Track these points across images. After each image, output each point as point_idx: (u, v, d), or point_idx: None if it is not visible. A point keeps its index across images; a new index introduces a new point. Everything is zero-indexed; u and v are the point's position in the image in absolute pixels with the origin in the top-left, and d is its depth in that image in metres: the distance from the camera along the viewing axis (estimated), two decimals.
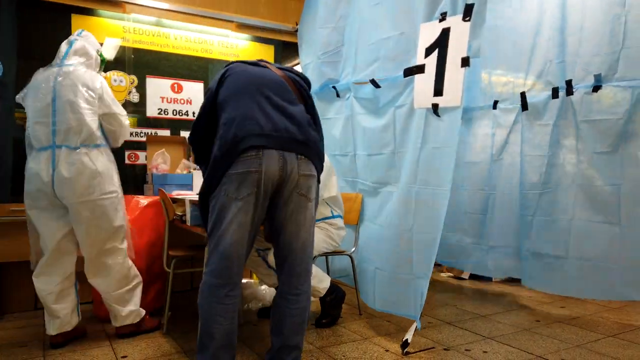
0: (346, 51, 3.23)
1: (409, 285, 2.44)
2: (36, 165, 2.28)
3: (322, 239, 2.75)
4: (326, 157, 2.75)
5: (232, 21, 3.95)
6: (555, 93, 3.09)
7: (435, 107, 2.36)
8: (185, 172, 3.34)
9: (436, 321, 2.83)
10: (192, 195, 2.67)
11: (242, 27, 4.01)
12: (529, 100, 3.28)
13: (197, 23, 3.84)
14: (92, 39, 2.56)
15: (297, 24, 3.89)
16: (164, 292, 2.91)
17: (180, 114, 3.83)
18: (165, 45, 3.79)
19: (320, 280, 2.68)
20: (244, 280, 3.49)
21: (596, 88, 2.87)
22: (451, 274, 4.12)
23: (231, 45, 4.00)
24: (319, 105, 3.55)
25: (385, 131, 2.77)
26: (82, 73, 2.37)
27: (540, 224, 3.17)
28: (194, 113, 3.84)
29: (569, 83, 3.00)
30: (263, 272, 2.87)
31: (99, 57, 2.55)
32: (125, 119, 2.50)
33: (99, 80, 2.41)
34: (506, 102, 3.50)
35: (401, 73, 2.60)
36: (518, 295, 3.49)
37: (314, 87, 3.56)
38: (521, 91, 3.33)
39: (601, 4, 2.86)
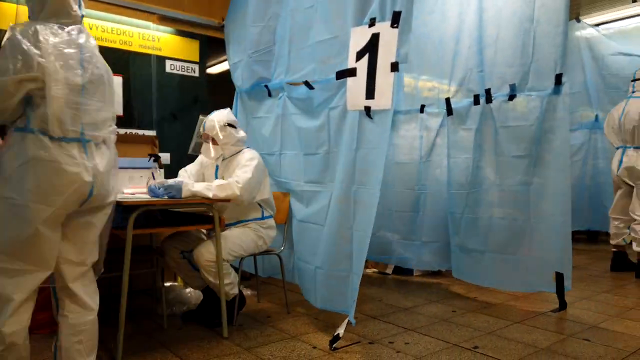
0: (278, 51, 3.22)
1: (346, 281, 2.51)
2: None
3: (251, 239, 2.73)
4: (259, 158, 2.74)
5: (153, 13, 3.78)
6: (476, 100, 3.32)
7: (367, 109, 2.44)
8: None
9: (362, 316, 2.91)
10: None
11: (165, 19, 3.85)
12: (453, 105, 3.49)
13: (116, 13, 3.63)
14: None
15: (223, 20, 3.81)
16: None
17: None
18: None
19: (234, 287, 2.66)
20: (167, 284, 3.36)
21: (511, 97, 3.13)
22: (376, 270, 4.26)
23: (153, 37, 3.82)
24: (249, 104, 3.54)
25: (320, 131, 2.81)
26: None
27: (468, 221, 3.40)
28: None
29: (488, 91, 3.24)
30: (188, 274, 2.79)
31: None
32: None
33: None
34: (432, 107, 3.71)
35: (334, 75, 2.65)
36: (437, 287, 3.70)
37: (245, 85, 3.51)
38: (446, 97, 3.53)
39: (512, 18, 3.11)
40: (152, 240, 3.09)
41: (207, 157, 2.81)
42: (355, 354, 2.31)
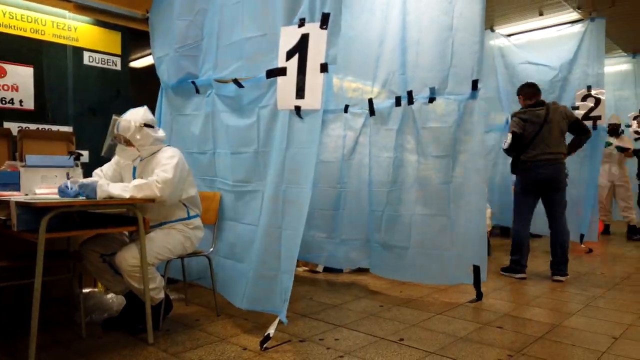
0: (206, 46, 3.14)
1: (275, 281, 2.50)
2: None
3: (178, 241, 2.63)
4: (180, 156, 2.63)
5: (69, 1, 3.52)
6: (398, 101, 3.45)
7: (297, 109, 2.45)
8: (9, 170, 2.88)
9: (293, 315, 2.93)
10: (19, 196, 2.33)
11: (82, 8, 3.60)
12: (375, 106, 3.60)
13: None
14: None
15: (147, 12, 3.64)
16: None
17: (4, 101, 3.29)
18: None
19: (160, 292, 2.56)
20: (86, 290, 3.17)
21: (431, 99, 3.29)
22: (307, 268, 4.30)
23: (69, 27, 3.56)
24: (175, 101, 3.42)
25: (249, 130, 2.77)
26: None
27: (389, 218, 3.52)
28: (21, 101, 3.33)
29: (409, 93, 3.38)
30: (109, 279, 2.65)
31: None
32: None
33: None
34: (356, 107, 3.79)
35: (264, 73, 2.62)
36: (365, 284, 3.81)
37: (172, 80, 3.39)
38: (369, 97, 3.63)
39: (433, 25, 3.27)
40: (68, 244, 2.89)
41: (122, 159, 2.65)
42: (286, 353, 2.32)
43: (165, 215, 2.66)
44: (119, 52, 3.82)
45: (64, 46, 3.53)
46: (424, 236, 3.36)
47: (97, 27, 3.71)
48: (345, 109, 3.84)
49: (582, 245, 5.27)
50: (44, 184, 2.70)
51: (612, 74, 7.04)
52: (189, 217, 2.71)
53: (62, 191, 2.23)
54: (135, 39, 3.91)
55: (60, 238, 2.68)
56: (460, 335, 2.59)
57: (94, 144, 3.53)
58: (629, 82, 7.25)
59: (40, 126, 3.33)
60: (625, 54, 7.32)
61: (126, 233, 2.71)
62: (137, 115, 2.57)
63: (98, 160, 3.35)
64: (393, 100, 3.48)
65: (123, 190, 2.31)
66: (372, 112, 3.63)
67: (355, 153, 3.80)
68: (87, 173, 2.95)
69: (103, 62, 3.73)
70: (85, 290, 3.16)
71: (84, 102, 3.63)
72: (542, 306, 3.17)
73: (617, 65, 7.30)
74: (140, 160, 2.67)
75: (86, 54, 3.64)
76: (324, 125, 3.95)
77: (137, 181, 2.40)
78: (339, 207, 3.83)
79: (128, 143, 2.57)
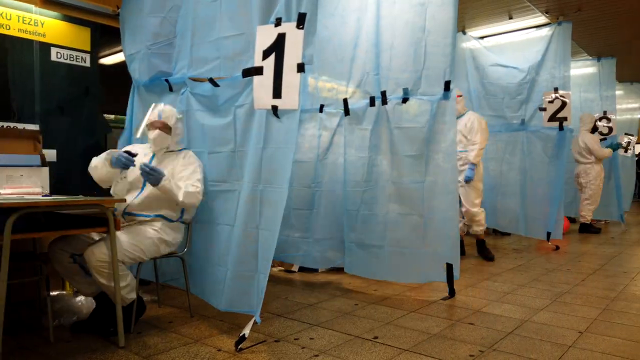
0: (179, 44, 3.09)
1: (252, 281, 2.48)
2: None
3: (152, 241, 2.59)
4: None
5: None
6: (372, 102, 3.48)
7: (275, 109, 2.44)
8: None
9: (268, 315, 2.92)
10: None
11: (49, 3, 3.48)
12: (350, 106, 3.62)
13: None
14: None
15: (118, 8, 3.56)
16: None
17: None
18: None
19: (131, 292, 2.52)
20: (54, 293, 3.08)
21: (405, 100, 3.33)
22: (282, 268, 4.29)
23: (35, 22, 3.45)
24: (148, 99, 3.35)
25: (226, 129, 2.75)
26: None
27: (364, 217, 3.55)
28: None
29: (383, 94, 3.41)
30: (79, 281, 2.59)
31: None
32: None
33: None
34: (331, 107, 3.80)
35: (240, 73, 2.60)
36: (340, 283, 3.83)
37: (143, 78, 3.32)
38: (344, 97, 3.65)
39: (406, 26, 3.32)
40: (35, 246, 2.80)
41: (156, 144, 2.75)
42: (261, 353, 2.31)
43: (159, 208, 2.68)
44: (88, 48, 3.72)
45: (30, 41, 3.41)
46: (397, 235, 3.39)
47: (66, 23, 3.61)
48: (321, 109, 3.84)
49: (549, 243, 5.44)
50: (9, 184, 2.61)
51: (577, 77, 7.29)
52: (180, 219, 2.76)
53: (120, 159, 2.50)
54: (106, 35, 3.81)
55: (26, 239, 2.60)
56: (433, 332, 2.63)
57: (62, 143, 3.44)
58: (593, 84, 7.52)
59: (6, 124, 3.22)
60: (590, 58, 7.59)
61: (99, 233, 2.64)
62: (173, 108, 2.82)
63: (67, 158, 3.27)
64: (367, 101, 3.50)
65: (179, 189, 2.54)
66: (347, 112, 3.65)
67: (330, 153, 3.82)
68: (55, 172, 2.87)
69: (71, 59, 3.63)
70: (53, 293, 3.07)
71: (52, 100, 3.52)
72: (511, 302, 3.26)
73: (582, 68, 7.57)
74: (165, 152, 2.80)
75: (54, 50, 3.53)
76: (300, 124, 3.95)
77: (183, 187, 2.57)
78: (314, 207, 3.83)
79: (167, 130, 2.73)
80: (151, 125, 2.72)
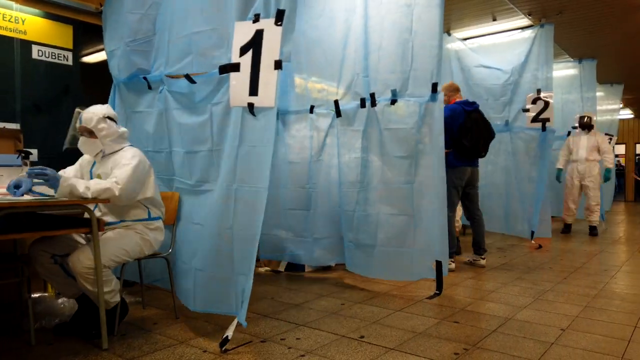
0: (158, 41, 3.05)
1: (230, 283, 2.45)
2: None
3: (136, 242, 2.55)
4: (142, 156, 2.57)
5: None
6: (362, 103, 3.50)
7: (251, 106, 2.40)
8: None
9: (254, 315, 2.90)
10: None
11: (30, 0, 3.43)
12: (341, 107, 3.64)
13: None
14: None
15: (101, 5, 3.51)
16: None
17: None
18: None
19: (115, 295, 2.49)
20: (35, 295, 3.02)
21: (393, 101, 3.35)
22: (269, 268, 4.28)
23: (16, 19, 3.38)
24: (128, 97, 3.31)
25: (202, 128, 2.71)
26: None
27: (359, 217, 3.58)
28: None
29: (372, 95, 3.43)
30: (61, 282, 2.54)
31: None
32: None
33: None
34: (322, 108, 3.81)
35: (216, 70, 2.57)
36: (327, 282, 3.83)
37: (122, 75, 3.28)
38: (335, 99, 3.66)
39: (393, 27, 3.33)
40: (15, 247, 2.75)
41: (85, 151, 2.59)
42: (247, 354, 2.30)
43: (123, 213, 2.58)
44: (70, 46, 3.66)
45: (10, 39, 3.35)
46: (389, 234, 3.42)
47: (47, 20, 3.55)
48: (311, 110, 3.85)
49: (533, 242, 5.52)
50: None
51: (559, 78, 7.42)
52: (150, 219, 2.65)
53: (9, 188, 2.13)
54: (89, 33, 3.76)
55: (7, 240, 2.54)
56: (419, 331, 2.65)
57: (43, 142, 3.38)
58: (575, 86, 7.66)
59: None
60: (572, 60, 7.73)
61: (81, 234, 2.60)
62: (99, 108, 2.58)
63: (48, 158, 3.21)
64: (358, 102, 3.52)
65: (86, 188, 2.26)
66: (338, 113, 3.66)
67: (324, 154, 3.83)
68: None
69: (53, 57, 3.57)
70: (35, 295, 3.01)
71: (33, 98, 3.45)
72: (495, 300, 3.29)
73: (564, 70, 7.71)
74: (102, 156, 2.60)
75: (35, 48, 3.47)
76: (289, 126, 3.95)
77: (97, 181, 2.35)
78: (310, 207, 3.85)
79: (91, 134, 2.52)
80: (77, 134, 2.59)
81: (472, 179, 4.36)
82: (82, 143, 2.55)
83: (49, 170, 2.19)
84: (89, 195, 2.25)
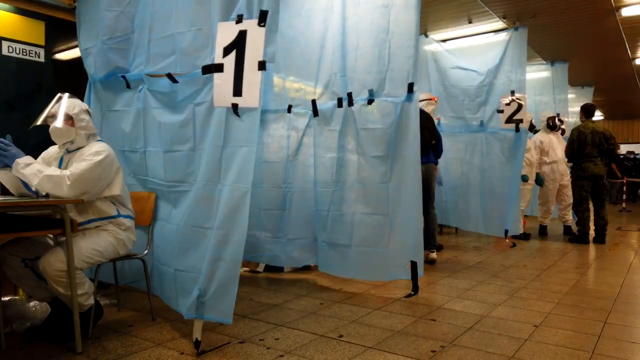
0: (137, 39, 3.00)
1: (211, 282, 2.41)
2: None
3: (109, 242, 2.49)
4: (109, 153, 2.50)
5: None
6: (339, 103, 3.51)
7: (235, 106, 2.39)
8: None
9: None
10: None
11: None
12: (318, 107, 3.64)
13: None
14: None
15: (75, 2, 3.43)
16: None
17: None
18: None
19: (89, 298, 2.43)
20: (5, 298, 2.93)
21: (370, 101, 3.37)
22: (247, 269, 4.25)
23: None
24: (104, 96, 3.24)
25: (184, 127, 2.67)
26: None
27: (334, 217, 3.57)
28: None
29: (350, 95, 3.44)
30: (32, 285, 2.48)
31: None
32: None
33: None
34: (299, 107, 3.80)
35: (199, 70, 2.55)
36: (306, 283, 3.83)
37: (99, 74, 3.21)
38: (312, 99, 3.66)
39: (371, 28, 3.36)
40: None
41: (55, 136, 2.46)
42: (226, 355, 2.29)
43: (90, 211, 2.50)
44: (42, 42, 3.56)
45: None
46: (364, 234, 3.44)
47: (18, 16, 3.44)
48: (289, 109, 3.84)
49: (507, 240, 5.64)
50: None
51: (532, 80, 7.59)
52: (119, 215, 2.57)
53: None
54: (61, 29, 3.66)
55: None
56: (397, 329, 2.67)
57: (15, 140, 3.28)
58: (547, 88, 7.85)
59: None
60: (545, 62, 7.93)
61: (50, 235, 2.53)
62: (81, 102, 2.57)
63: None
64: (335, 102, 3.53)
65: (35, 175, 2.22)
66: (315, 113, 3.66)
67: (300, 153, 3.82)
68: None
69: (24, 53, 3.47)
70: (5, 299, 2.93)
71: (4, 96, 3.35)
72: (471, 298, 3.35)
73: (537, 72, 7.89)
74: (68, 151, 2.53)
75: (5, 44, 3.37)
76: (267, 125, 3.93)
77: (51, 170, 2.29)
78: (285, 207, 3.83)
79: (69, 121, 2.45)
80: (52, 118, 2.45)
81: (427, 175, 4.39)
82: (54, 130, 2.44)
83: (14, 153, 2.23)
84: (34, 183, 2.22)
